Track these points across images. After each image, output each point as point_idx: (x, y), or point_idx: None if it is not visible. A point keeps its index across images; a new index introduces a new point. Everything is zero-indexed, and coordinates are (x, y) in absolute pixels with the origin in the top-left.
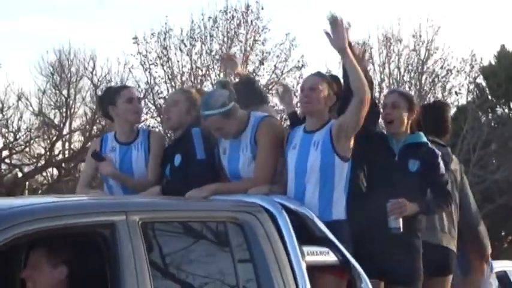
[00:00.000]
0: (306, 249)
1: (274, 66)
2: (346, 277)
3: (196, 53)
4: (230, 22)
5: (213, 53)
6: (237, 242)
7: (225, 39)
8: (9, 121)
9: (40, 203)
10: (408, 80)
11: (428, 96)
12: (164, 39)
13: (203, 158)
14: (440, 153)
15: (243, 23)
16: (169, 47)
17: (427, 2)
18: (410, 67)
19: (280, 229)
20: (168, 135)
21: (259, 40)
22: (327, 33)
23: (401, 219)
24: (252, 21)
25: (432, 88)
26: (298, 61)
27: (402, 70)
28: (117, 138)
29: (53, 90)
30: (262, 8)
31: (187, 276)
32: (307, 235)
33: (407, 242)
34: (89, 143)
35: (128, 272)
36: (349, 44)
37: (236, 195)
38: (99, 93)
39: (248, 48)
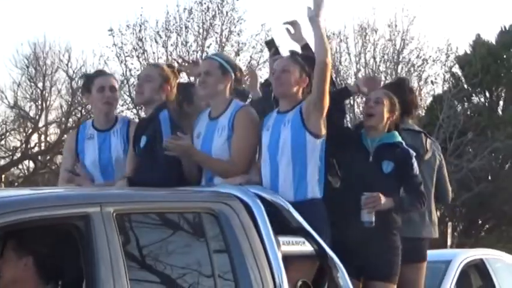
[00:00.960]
0: (281, 239)
1: (250, 57)
2: (316, 268)
3: (171, 45)
4: (205, 13)
5: (189, 45)
6: (213, 232)
7: (201, 30)
8: None
9: (14, 195)
10: (384, 69)
11: None
12: (139, 31)
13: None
14: (414, 154)
15: (218, 14)
16: (145, 38)
17: None
18: (386, 57)
19: (256, 219)
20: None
21: (235, 31)
22: (308, 7)
23: (373, 214)
24: (227, 12)
25: (408, 77)
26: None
27: (378, 60)
28: (94, 126)
29: (28, 82)
30: None
31: (163, 267)
32: (282, 225)
33: (384, 238)
34: (65, 136)
35: (102, 264)
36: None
37: (210, 185)
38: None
39: (224, 40)
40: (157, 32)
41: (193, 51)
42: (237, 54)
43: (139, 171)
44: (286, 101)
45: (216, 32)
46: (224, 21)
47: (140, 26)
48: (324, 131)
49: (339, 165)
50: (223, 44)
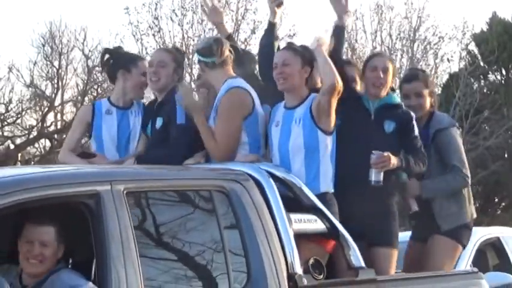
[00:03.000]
0: (293, 217)
1: None
2: (329, 248)
3: (187, 23)
4: None
5: (205, 23)
6: (223, 210)
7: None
8: (0, 93)
9: (24, 173)
10: (400, 47)
11: (421, 63)
12: (155, 9)
13: (182, 123)
14: (414, 116)
15: None
16: (161, 17)
17: None
18: (402, 35)
19: (267, 197)
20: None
21: (251, 9)
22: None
23: (382, 173)
24: None
25: (424, 55)
26: (290, 30)
27: (394, 38)
28: (112, 103)
29: (44, 61)
30: None
31: (174, 245)
32: (294, 203)
33: (383, 202)
34: None
35: (113, 242)
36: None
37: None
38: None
39: (240, 17)
40: (173, 10)
41: (209, 29)
42: (253, 32)
43: (149, 151)
44: (292, 95)
45: (231, 10)
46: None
47: (156, 4)
48: (333, 123)
49: (342, 125)
50: (239, 22)
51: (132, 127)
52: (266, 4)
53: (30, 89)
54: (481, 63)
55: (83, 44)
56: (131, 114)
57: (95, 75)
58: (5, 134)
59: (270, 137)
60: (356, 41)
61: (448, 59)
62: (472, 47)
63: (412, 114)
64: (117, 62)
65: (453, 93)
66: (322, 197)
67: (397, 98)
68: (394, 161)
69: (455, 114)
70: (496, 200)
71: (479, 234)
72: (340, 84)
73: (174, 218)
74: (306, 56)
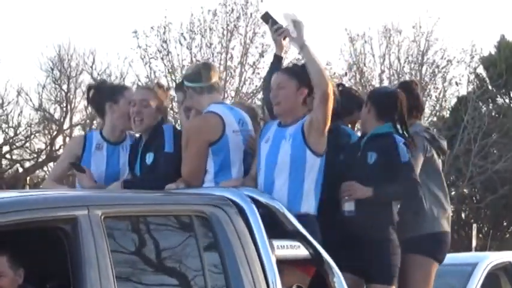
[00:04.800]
0: (276, 243)
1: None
2: (311, 272)
3: (196, 46)
4: (230, 15)
5: (213, 46)
6: (204, 236)
7: (225, 32)
8: (9, 116)
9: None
10: (408, 71)
11: (429, 87)
12: (164, 32)
13: (171, 151)
14: (402, 141)
15: (243, 15)
16: (169, 40)
17: None
18: (410, 58)
19: (249, 223)
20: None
21: (259, 33)
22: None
23: (353, 203)
24: (251, 14)
25: (432, 79)
26: (298, 53)
27: (402, 61)
28: (104, 136)
29: (53, 85)
30: (262, 1)
31: (152, 271)
32: (277, 229)
33: (380, 237)
34: None
35: (90, 268)
36: None
37: (203, 188)
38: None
39: (248, 41)
40: (182, 33)
41: (217, 52)
42: (261, 55)
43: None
44: (287, 116)
45: (240, 34)
46: (248, 23)
47: (164, 27)
48: (324, 148)
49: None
50: (247, 46)
51: (122, 164)
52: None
53: (39, 112)
54: (490, 87)
55: (91, 67)
56: (122, 149)
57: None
58: (14, 157)
59: (259, 153)
60: (364, 64)
61: (456, 83)
62: (481, 70)
63: (399, 139)
64: (103, 95)
65: (461, 116)
66: (302, 217)
67: (387, 127)
68: (363, 191)
69: (463, 138)
70: (505, 223)
71: (491, 259)
72: (331, 89)
73: (153, 243)
74: (302, 77)
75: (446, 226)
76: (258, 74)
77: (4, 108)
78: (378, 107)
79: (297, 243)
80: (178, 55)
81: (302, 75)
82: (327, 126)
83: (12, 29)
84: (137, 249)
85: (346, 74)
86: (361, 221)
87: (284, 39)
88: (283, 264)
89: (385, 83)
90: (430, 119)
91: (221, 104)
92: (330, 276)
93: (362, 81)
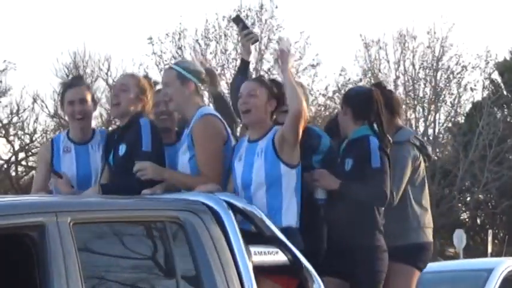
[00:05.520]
0: (253, 249)
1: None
2: (288, 283)
3: (211, 53)
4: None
5: (228, 53)
6: (178, 243)
7: (239, 38)
8: (25, 123)
9: None
10: (423, 76)
11: (444, 92)
12: (179, 39)
13: (149, 150)
14: (377, 145)
15: (258, 21)
16: (184, 47)
17: None
18: (425, 64)
19: (226, 229)
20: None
21: (274, 39)
22: (276, 60)
23: (325, 192)
24: (266, 20)
25: (447, 85)
26: (313, 59)
27: (417, 67)
28: (70, 138)
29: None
30: (277, 7)
31: (124, 280)
32: (255, 235)
33: (366, 242)
34: None
35: (58, 276)
36: None
37: (179, 193)
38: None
39: (263, 47)
40: (197, 40)
41: (232, 59)
42: (276, 61)
43: (113, 179)
44: (255, 129)
45: None
46: (263, 29)
47: (179, 34)
48: (298, 159)
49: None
50: (262, 52)
51: (93, 163)
52: (289, 33)
53: (54, 119)
54: (504, 92)
55: (106, 74)
56: (91, 148)
57: None
58: (30, 164)
59: (234, 172)
60: (379, 70)
61: (471, 88)
62: (495, 76)
63: (373, 144)
64: (62, 95)
65: (476, 122)
66: (284, 231)
67: (364, 130)
68: (330, 181)
69: (478, 144)
70: None
71: (507, 264)
72: (305, 110)
73: (124, 251)
74: (272, 89)
75: (430, 236)
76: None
77: (20, 115)
78: (353, 109)
79: (275, 249)
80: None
81: (272, 87)
82: (299, 139)
83: (27, 35)
84: (108, 257)
85: (361, 80)
86: (346, 225)
87: (252, 44)
88: (261, 270)
89: (400, 89)
90: (445, 125)
91: (209, 106)
92: (310, 282)
93: None
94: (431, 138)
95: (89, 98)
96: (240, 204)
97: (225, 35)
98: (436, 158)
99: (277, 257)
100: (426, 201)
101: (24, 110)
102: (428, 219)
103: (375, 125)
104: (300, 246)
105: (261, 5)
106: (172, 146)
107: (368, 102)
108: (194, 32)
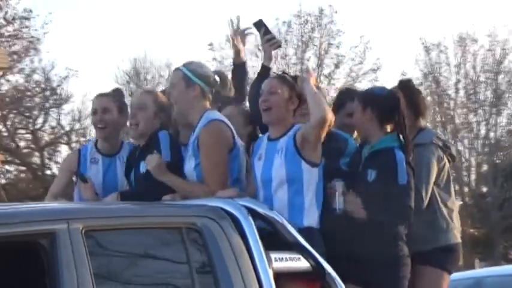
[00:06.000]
0: (274, 255)
1: (350, 69)
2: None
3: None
4: (304, 26)
5: (288, 58)
6: (195, 250)
7: (300, 43)
8: (86, 130)
9: None
10: (484, 79)
11: (505, 95)
12: None
13: (168, 160)
14: (403, 159)
15: (317, 27)
16: (245, 52)
17: (502, 2)
18: (486, 67)
19: (245, 235)
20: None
21: (334, 44)
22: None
23: (343, 200)
24: (326, 25)
25: (509, 87)
26: (374, 63)
27: (478, 70)
28: (98, 149)
29: (129, 98)
30: (336, 12)
31: None
32: (276, 240)
33: (390, 252)
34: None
35: (69, 285)
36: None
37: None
38: None
39: (323, 52)
40: (257, 45)
41: (292, 63)
42: (337, 66)
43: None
44: (276, 127)
45: (314, 45)
46: (323, 34)
47: None
48: (320, 157)
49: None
50: (322, 57)
51: (120, 176)
52: (349, 38)
53: None
54: None
55: (167, 80)
56: (119, 160)
57: None
58: None
59: (254, 171)
60: (440, 74)
61: None
62: None
63: (399, 157)
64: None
65: None
66: (305, 232)
67: (391, 140)
68: (358, 211)
69: None
70: None
71: None
72: (330, 116)
73: (139, 259)
74: (295, 87)
75: (459, 237)
76: (333, 85)
77: (82, 122)
78: (380, 114)
79: (297, 255)
80: (253, 67)
81: (294, 85)
82: (321, 140)
83: (89, 43)
84: (122, 266)
85: (421, 83)
86: (368, 235)
87: (274, 49)
88: (283, 277)
89: (461, 93)
90: (506, 128)
91: (215, 110)
92: None
93: (438, 90)
94: (492, 141)
95: (114, 108)
96: (260, 209)
97: (285, 40)
98: (498, 161)
99: (299, 263)
100: (452, 201)
101: (86, 117)
102: (456, 220)
103: (399, 133)
104: (321, 247)
105: (321, 9)
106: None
107: (396, 106)
108: (254, 37)
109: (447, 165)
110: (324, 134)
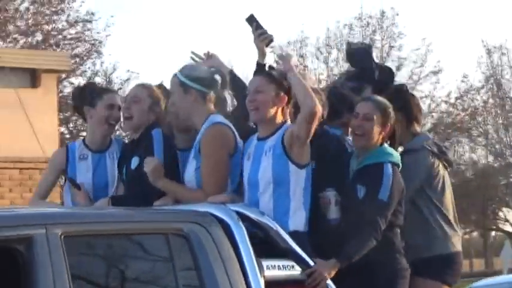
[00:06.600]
0: (266, 263)
1: (411, 71)
2: None
3: (332, 61)
4: (365, 29)
5: None
6: (182, 257)
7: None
8: None
9: None
10: None
11: None
12: (300, 47)
13: (160, 159)
14: (390, 173)
15: (379, 29)
16: (306, 55)
17: None
18: None
19: (236, 241)
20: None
21: (395, 46)
22: (276, 62)
23: (337, 209)
24: (387, 27)
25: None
26: (435, 66)
27: None
28: (87, 145)
29: None
30: (397, 14)
31: None
32: (269, 247)
33: (387, 263)
34: None
35: None
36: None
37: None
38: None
39: (384, 55)
40: (318, 48)
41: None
42: (398, 69)
43: (127, 193)
44: (264, 126)
45: (376, 47)
46: (384, 36)
47: (301, 42)
48: (308, 158)
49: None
50: (383, 59)
51: (110, 172)
52: (410, 40)
53: None
54: None
55: None
56: (109, 157)
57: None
58: None
59: (243, 171)
60: (502, 76)
61: None
62: None
63: (387, 172)
64: (81, 98)
65: None
66: (291, 236)
67: (383, 154)
68: (330, 267)
69: None
70: None
71: None
72: (320, 110)
73: (121, 266)
74: (282, 83)
75: (458, 245)
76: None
77: None
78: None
79: (291, 263)
80: (315, 69)
81: (281, 82)
82: (310, 138)
83: (150, 45)
84: (103, 273)
85: (483, 86)
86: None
87: (267, 45)
88: (275, 285)
89: None
90: None
91: (219, 114)
92: None
93: (499, 93)
94: None
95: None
96: (253, 215)
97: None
98: None
99: (293, 270)
100: (448, 208)
101: None
102: (454, 227)
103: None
104: (307, 252)
105: (382, 12)
106: None
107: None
108: (316, 40)
109: (442, 171)
110: (313, 129)
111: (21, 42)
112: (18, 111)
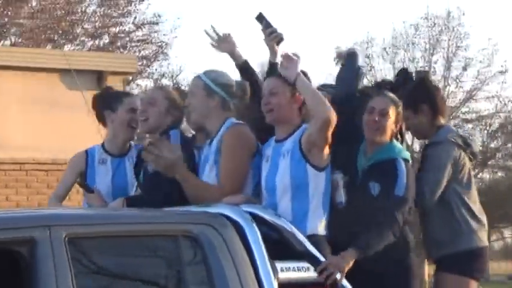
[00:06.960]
0: (280, 265)
1: (477, 71)
2: None
3: (399, 61)
4: (432, 29)
5: (416, 60)
6: (192, 260)
7: (427, 46)
8: None
9: None
10: None
11: None
12: (367, 48)
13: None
14: (403, 169)
15: (445, 29)
16: (372, 55)
17: None
18: None
19: (248, 243)
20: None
21: (462, 46)
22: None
23: (343, 193)
24: (454, 28)
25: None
26: (502, 66)
27: None
28: (106, 150)
29: None
30: (464, 14)
31: None
32: (284, 249)
33: (399, 261)
34: None
35: None
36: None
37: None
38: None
39: (451, 55)
40: (384, 48)
41: (420, 66)
42: (464, 69)
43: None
44: (281, 128)
45: (442, 48)
46: (451, 37)
47: (367, 43)
48: (327, 160)
49: None
50: (450, 60)
51: (130, 177)
52: (477, 40)
53: None
54: None
55: None
56: (128, 161)
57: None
58: None
59: (262, 174)
60: None
61: None
62: None
63: (401, 169)
64: (101, 103)
65: None
66: (309, 239)
67: (393, 149)
68: (348, 257)
69: None
70: None
71: None
72: (334, 117)
73: (128, 270)
74: None
75: (485, 240)
76: (461, 87)
77: None
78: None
79: (306, 265)
80: (381, 70)
81: None
82: (328, 143)
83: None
84: (108, 277)
85: None
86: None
87: (277, 44)
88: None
89: None
90: None
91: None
92: None
93: None
94: None
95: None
96: (267, 216)
97: (413, 43)
98: None
99: (308, 273)
100: (475, 202)
101: None
102: (480, 221)
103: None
104: (325, 253)
105: (448, 12)
106: None
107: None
108: (382, 40)
109: (468, 163)
110: (330, 135)
111: (89, 44)
112: (85, 113)
